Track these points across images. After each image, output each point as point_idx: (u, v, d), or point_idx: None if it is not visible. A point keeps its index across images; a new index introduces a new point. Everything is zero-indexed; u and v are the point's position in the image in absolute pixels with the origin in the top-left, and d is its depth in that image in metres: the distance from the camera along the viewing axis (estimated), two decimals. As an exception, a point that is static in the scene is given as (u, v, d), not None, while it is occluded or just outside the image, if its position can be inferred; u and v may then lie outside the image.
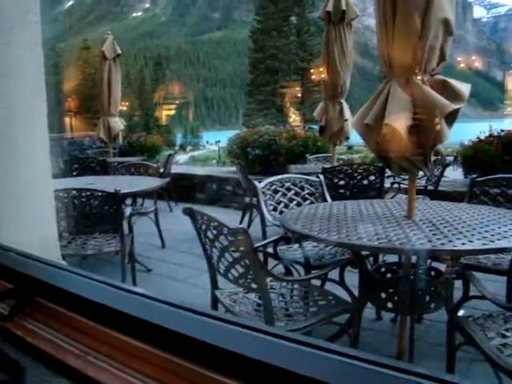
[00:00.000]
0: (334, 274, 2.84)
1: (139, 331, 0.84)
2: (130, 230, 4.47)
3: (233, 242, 2.31)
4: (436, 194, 5.36)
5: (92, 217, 4.12)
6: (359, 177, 4.83)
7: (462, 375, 2.64)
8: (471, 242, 2.23)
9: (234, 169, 7.99)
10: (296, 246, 3.46)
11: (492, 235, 2.33)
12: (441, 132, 2.51)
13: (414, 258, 2.75)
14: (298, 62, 48.74)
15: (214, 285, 2.79)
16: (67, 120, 48.79)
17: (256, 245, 3.06)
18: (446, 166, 5.57)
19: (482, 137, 6.94)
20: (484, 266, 3.20)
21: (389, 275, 2.93)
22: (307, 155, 7.26)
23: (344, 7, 5.65)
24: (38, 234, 1.76)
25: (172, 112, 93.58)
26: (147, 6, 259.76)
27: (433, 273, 2.94)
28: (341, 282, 2.65)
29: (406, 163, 2.61)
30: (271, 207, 3.58)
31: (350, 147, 32.38)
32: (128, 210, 4.49)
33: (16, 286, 1.16)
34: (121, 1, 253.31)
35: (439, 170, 5.53)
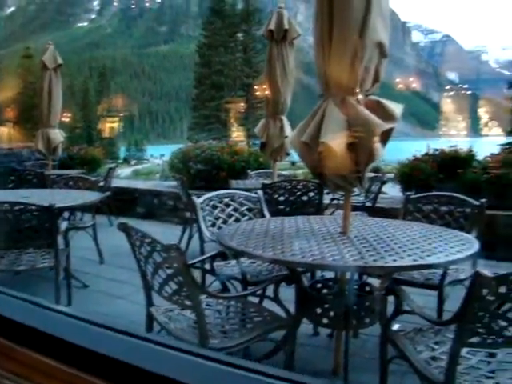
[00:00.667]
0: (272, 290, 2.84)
1: (56, 350, 0.81)
2: (67, 244, 4.35)
3: (166, 258, 2.28)
4: (374, 211, 5.48)
5: (26, 231, 3.98)
6: (299, 193, 4.88)
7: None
8: (402, 258, 2.29)
9: (176, 183, 7.92)
10: (234, 261, 3.44)
11: (422, 252, 2.40)
12: (374, 151, 2.57)
13: (348, 274, 2.79)
14: (243, 78, 49.08)
15: (149, 302, 2.73)
16: (5, 130, 47.06)
17: (193, 261, 3.04)
18: (383, 182, 5.71)
19: (419, 155, 7.19)
20: (417, 281, 3.29)
21: (325, 291, 2.96)
22: (249, 171, 7.29)
23: (286, 26, 5.76)
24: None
25: (116, 125, 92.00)
26: (93, 16, 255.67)
27: (368, 288, 2.99)
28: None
29: (341, 181, 2.66)
30: (209, 223, 3.56)
31: (293, 163, 32.69)
32: (64, 225, 4.36)
33: None
34: (66, 10, 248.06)
35: (377, 187, 5.66)
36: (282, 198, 4.87)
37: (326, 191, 5.02)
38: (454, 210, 3.68)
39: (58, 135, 8.18)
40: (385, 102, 2.65)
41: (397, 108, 2.66)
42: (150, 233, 2.40)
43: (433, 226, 3.17)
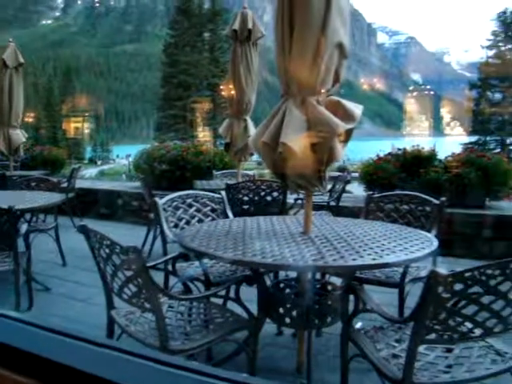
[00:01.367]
0: (245, 292, 2.83)
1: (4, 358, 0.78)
2: (27, 247, 4.25)
3: (125, 260, 2.24)
4: (338, 210, 5.54)
5: (-16, 234, 3.89)
6: (263, 193, 4.89)
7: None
8: (362, 257, 2.31)
9: (140, 184, 7.85)
10: (197, 262, 3.42)
11: (382, 250, 2.43)
12: (335, 151, 2.59)
13: (310, 274, 2.81)
14: (210, 78, 48.94)
15: (110, 305, 2.69)
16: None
17: (154, 262, 3.01)
18: (346, 182, 5.76)
19: (382, 155, 7.28)
20: (379, 279, 3.33)
21: (287, 291, 2.97)
22: (214, 171, 7.27)
23: (250, 26, 5.76)
24: None
25: (81, 124, 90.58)
26: (57, 14, 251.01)
27: (330, 287, 3.01)
28: (237, 299, 2.64)
29: (302, 181, 2.67)
30: (172, 224, 3.53)
31: (259, 163, 32.70)
32: (24, 227, 4.27)
33: None
34: (29, 7, 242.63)
35: (341, 186, 5.71)
36: (246, 198, 4.87)
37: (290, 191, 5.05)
38: (414, 209, 3.74)
39: (19, 135, 8.03)
40: (345, 102, 2.67)
41: (357, 108, 2.68)
42: (115, 234, 2.37)
43: (393, 225, 3.21)
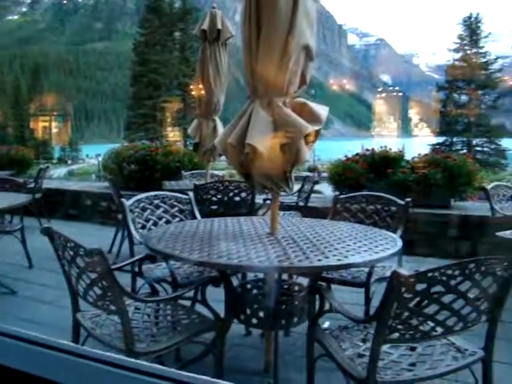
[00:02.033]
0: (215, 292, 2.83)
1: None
2: (-9, 249, 4.17)
3: (89, 263, 2.22)
4: (307, 210, 5.56)
5: None
6: (231, 194, 4.89)
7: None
8: (327, 258, 2.33)
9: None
10: (165, 263, 3.41)
11: (347, 251, 2.46)
12: (300, 152, 2.61)
13: (276, 275, 2.82)
14: (180, 77, 48.62)
15: (76, 307, 2.67)
16: None
17: (120, 264, 2.99)
18: (315, 182, 5.79)
19: (350, 155, 7.35)
20: (345, 279, 3.37)
21: (254, 291, 2.98)
22: (183, 171, 7.24)
23: (220, 26, 5.75)
24: None
25: (50, 123, 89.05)
26: (24, 10, 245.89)
27: (297, 288, 3.03)
28: (202, 301, 2.64)
29: (268, 182, 2.68)
30: (139, 225, 3.50)
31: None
32: (-13, 229, 4.18)
33: None
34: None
35: (309, 187, 5.74)
36: (214, 199, 4.87)
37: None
38: (380, 209, 3.79)
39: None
40: (311, 104, 2.70)
41: (323, 110, 2.71)
42: (83, 235, 2.36)
43: (359, 226, 3.24)
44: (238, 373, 3.13)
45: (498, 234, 4.95)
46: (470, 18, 48.67)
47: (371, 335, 2.32)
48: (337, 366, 2.21)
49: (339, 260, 2.31)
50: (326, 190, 9.53)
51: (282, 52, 2.62)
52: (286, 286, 3.01)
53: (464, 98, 47.39)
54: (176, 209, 3.71)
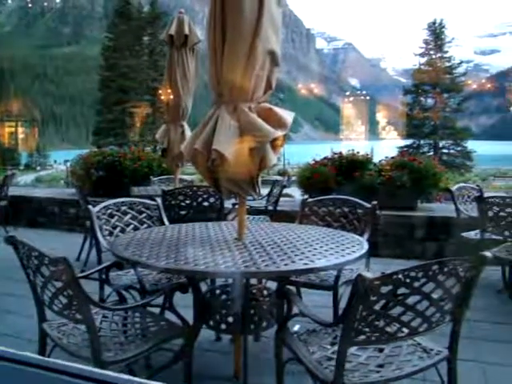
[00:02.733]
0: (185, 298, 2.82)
1: None
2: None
3: (54, 272, 2.19)
4: (276, 214, 5.58)
5: None
6: (200, 199, 4.87)
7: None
8: (293, 262, 2.35)
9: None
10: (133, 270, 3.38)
11: (314, 255, 2.48)
12: (267, 157, 2.62)
13: (244, 280, 2.82)
14: (149, 82, 48.26)
15: (42, 317, 2.62)
16: None
17: (86, 272, 2.95)
18: (283, 186, 5.82)
19: (318, 159, 7.40)
20: (313, 282, 3.39)
21: (223, 297, 2.98)
22: (151, 177, 7.20)
23: (187, 31, 5.73)
24: None
25: (16, 129, 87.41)
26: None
27: (265, 292, 3.04)
28: (170, 307, 2.63)
29: (235, 187, 2.68)
30: (107, 232, 3.46)
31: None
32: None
33: None
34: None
35: (278, 191, 5.77)
36: (183, 204, 4.85)
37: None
38: (347, 213, 3.83)
39: None
40: (276, 109, 2.71)
41: (288, 115, 2.73)
42: (51, 243, 2.33)
43: (327, 229, 3.27)
44: (208, 379, 3.12)
45: (463, 234, 5.06)
46: (434, 23, 49.71)
47: (339, 338, 2.35)
48: (305, 369, 2.22)
49: (306, 264, 2.33)
50: (297, 193, 9.58)
51: (247, 57, 2.63)
52: (254, 291, 3.01)
53: (430, 101, 48.32)
54: (144, 215, 3.68)
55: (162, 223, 3.66)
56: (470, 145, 46.77)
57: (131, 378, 0.70)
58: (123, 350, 2.41)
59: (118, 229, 3.55)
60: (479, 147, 50.62)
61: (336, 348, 2.29)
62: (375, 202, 3.66)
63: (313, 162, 7.36)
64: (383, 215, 6.05)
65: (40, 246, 2.29)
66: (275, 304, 2.76)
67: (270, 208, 5.69)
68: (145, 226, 3.64)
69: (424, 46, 49.74)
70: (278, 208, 5.78)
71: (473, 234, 4.92)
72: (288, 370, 2.51)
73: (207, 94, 2.86)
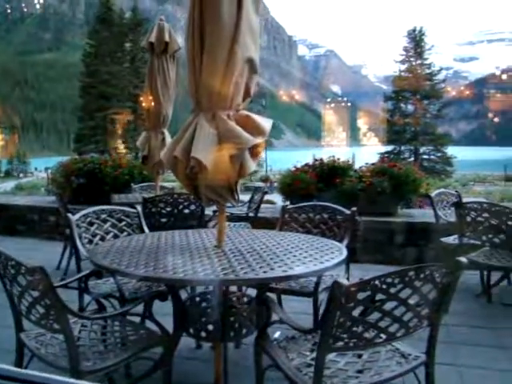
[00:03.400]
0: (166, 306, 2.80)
1: None
2: None
3: (31, 281, 2.17)
4: (257, 221, 5.59)
5: None
6: (180, 206, 4.86)
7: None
8: (272, 269, 2.35)
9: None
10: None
11: (292, 262, 2.49)
12: (245, 164, 2.63)
13: (224, 287, 2.82)
14: (131, 89, 48.11)
15: (19, 327, 2.59)
16: None
17: (65, 281, 2.93)
18: (264, 193, 5.83)
19: (299, 165, 7.44)
20: (294, 289, 3.41)
21: (204, 304, 2.97)
22: (132, 184, 7.17)
23: (167, 39, 5.73)
24: None
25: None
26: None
27: (245, 299, 3.04)
28: (149, 316, 2.62)
29: (214, 194, 2.68)
30: (86, 240, 3.44)
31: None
32: None
33: None
34: None
35: (259, 198, 5.78)
36: (164, 212, 4.84)
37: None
38: (327, 219, 3.85)
39: None
40: (255, 116, 2.73)
41: (266, 122, 2.74)
42: (30, 251, 2.31)
43: (306, 236, 3.28)
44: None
45: (442, 239, 5.12)
46: (414, 30, 50.43)
47: (317, 344, 2.36)
48: (284, 376, 2.23)
49: (284, 271, 2.33)
50: (279, 200, 9.61)
51: (225, 65, 2.64)
52: (234, 298, 3.01)
53: (410, 107, 48.91)
54: (124, 223, 3.67)
55: (142, 231, 3.65)
56: (450, 150, 47.37)
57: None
58: (102, 359, 2.39)
59: (98, 237, 3.53)
60: (459, 153, 51.30)
61: (314, 355, 2.31)
62: (354, 209, 3.70)
63: (294, 168, 7.40)
64: (363, 221, 6.10)
65: (19, 255, 2.27)
66: (255, 311, 2.76)
67: (251, 215, 5.70)
68: (125, 233, 3.63)
69: (404, 53, 50.43)
70: (259, 215, 5.78)
71: (451, 239, 4.98)
72: (268, 376, 2.51)
73: (189, 101, 2.86)
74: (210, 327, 2.73)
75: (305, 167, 7.27)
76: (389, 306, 2.02)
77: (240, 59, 2.67)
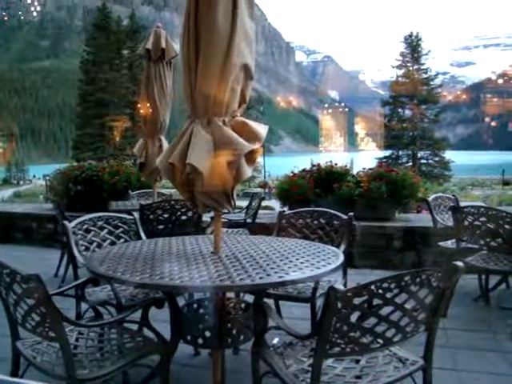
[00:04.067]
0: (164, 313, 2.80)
1: None
2: None
3: (26, 289, 2.16)
4: (255, 227, 5.59)
5: None
6: (178, 213, 4.86)
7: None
8: (269, 275, 2.34)
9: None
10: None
11: (289, 267, 2.48)
12: (241, 171, 2.63)
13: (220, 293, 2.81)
14: (129, 96, 48.18)
15: (15, 335, 2.58)
16: None
17: (61, 289, 2.92)
18: (262, 199, 5.83)
19: (297, 171, 7.44)
20: (291, 294, 3.40)
21: (201, 311, 2.96)
22: (130, 191, 7.16)
23: (164, 45, 5.74)
24: None
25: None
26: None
27: (243, 305, 3.03)
28: (146, 323, 2.61)
29: (210, 201, 2.68)
30: (83, 247, 3.44)
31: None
32: None
33: None
34: None
35: (256, 204, 5.77)
36: (161, 218, 4.83)
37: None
38: (324, 224, 3.85)
39: None
40: (250, 123, 2.72)
41: (262, 128, 2.74)
42: (28, 259, 2.30)
43: (303, 241, 3.27)
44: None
45: (440, 243, 5.12)
46: (410, 36, 50.69)
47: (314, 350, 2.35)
48: (281, 382, 2.22)
49: (281, 277, 2.33)
50: (278, 205, 9.60)
51: (221, 71, 2.64)
52: (231, 305, 3.00)
53: (408, 112, 49.08)
54: (121, 230, 3.66)
55: (140, 238, 3.64)
56: (448, 155, 47.50)
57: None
58: (99, 367, 2.38)
59: (95, 244, 3.52)
60: (457, 157, 51.47)
61: (311, 361, 2.30)
62: (351, 214, 3.69)
63: (291, 174, 7.40)
64: (361, 226, 6.10)
65: (16, 263, 2.26)
66: (252, 317, 2.75)
67: (249, 221, 5.69)
68: (122, 240, 3.62)
69: (401, 58, 50.66)
70: (257, 221, 5.78)
71: (449, 244, 4.98)
72: (265, 383, 2.50)
73: (185, 107, 2.86)
74: (207, 334, 2.72)
75: (302, 173, 7.26)
76: (385, 310, 2.01)
77: (235, 65, 2.67)
